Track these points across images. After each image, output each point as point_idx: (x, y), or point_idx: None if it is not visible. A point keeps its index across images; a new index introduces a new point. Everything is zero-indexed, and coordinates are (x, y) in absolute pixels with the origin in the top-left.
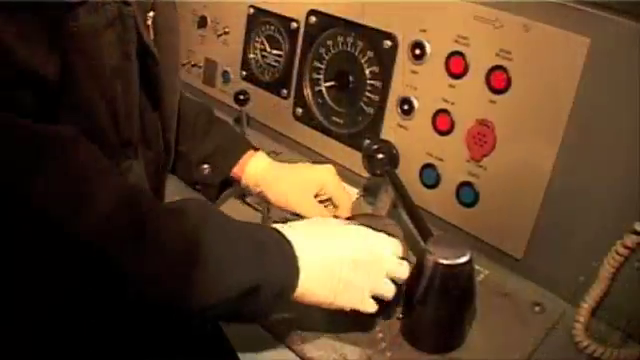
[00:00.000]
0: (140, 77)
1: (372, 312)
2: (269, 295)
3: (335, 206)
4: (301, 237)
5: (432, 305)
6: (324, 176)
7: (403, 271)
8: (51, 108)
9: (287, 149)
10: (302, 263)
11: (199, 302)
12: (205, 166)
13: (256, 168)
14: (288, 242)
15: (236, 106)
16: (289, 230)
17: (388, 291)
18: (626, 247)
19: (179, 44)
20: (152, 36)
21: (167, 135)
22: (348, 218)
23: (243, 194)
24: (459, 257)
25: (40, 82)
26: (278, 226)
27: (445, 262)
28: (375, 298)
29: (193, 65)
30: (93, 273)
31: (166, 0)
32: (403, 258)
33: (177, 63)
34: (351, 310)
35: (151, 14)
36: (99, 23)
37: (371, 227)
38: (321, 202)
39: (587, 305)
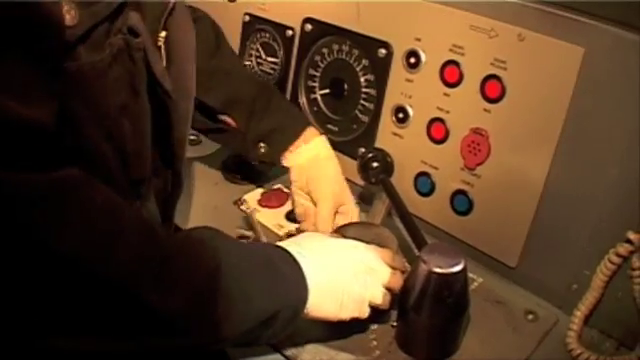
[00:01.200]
0: (150, 109)
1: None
2: (285, 318)
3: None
4: (307, 256)
5: (426, 313)
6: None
7: (397, 280)
8: (52, 154)
9: None
10: (310, 282)
11: (223, 334)
12: (262, 145)
13: (301, 165)
14: (296, 262)
15: None
16: (295, 247)
17: (385, 301)
18: (619, 256)
19: (193, 67)
20: (164, 60)
21: (176, 164)
22: (344, 226)
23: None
24: (453, 266)
25: (36, 132)
26: (283, 244)
27: (439, 271)
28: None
29: None
30: (120, 312)
31: (180, 16)
32: (395, 268)
33: (191, 89)
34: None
35: (163, 34)
36: (104, 60)
37: (366, 235)
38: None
39: (580, 313)
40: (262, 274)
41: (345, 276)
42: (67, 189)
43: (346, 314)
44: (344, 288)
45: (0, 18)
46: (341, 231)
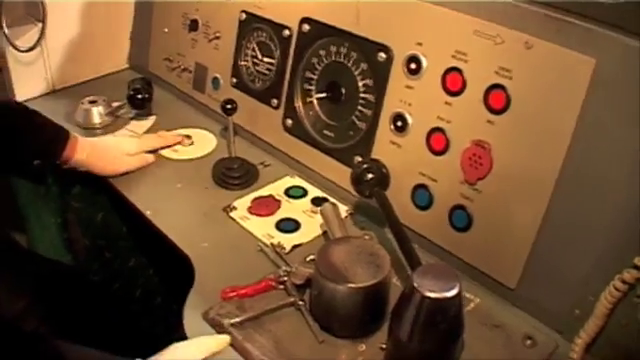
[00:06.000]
0: None
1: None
2: None
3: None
4: None
5: (417, 339)
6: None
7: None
8: None
9: (276, 161)
10: None
11: None
12: (36, 162)
13: (81, 156)
14: None
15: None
16: None
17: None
18: (625, 282)
19: None
20: None
21: None
22: (342, 238)
23: None
24: (447, 290)
25: None
26: None
27: (432, 296)
28: (363, 325)
29: (183, 69)
30: None
31: None
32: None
33: None
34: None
35: None
36: None
37: (360, 251)
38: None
39: (582, 341)
40: None
41: None
42: None
43: None
44: None
45: None
46: (324, 252)
